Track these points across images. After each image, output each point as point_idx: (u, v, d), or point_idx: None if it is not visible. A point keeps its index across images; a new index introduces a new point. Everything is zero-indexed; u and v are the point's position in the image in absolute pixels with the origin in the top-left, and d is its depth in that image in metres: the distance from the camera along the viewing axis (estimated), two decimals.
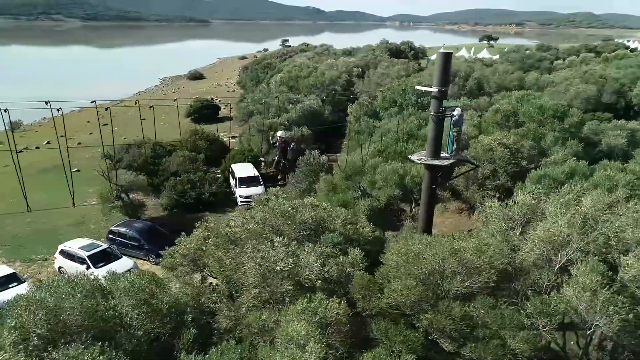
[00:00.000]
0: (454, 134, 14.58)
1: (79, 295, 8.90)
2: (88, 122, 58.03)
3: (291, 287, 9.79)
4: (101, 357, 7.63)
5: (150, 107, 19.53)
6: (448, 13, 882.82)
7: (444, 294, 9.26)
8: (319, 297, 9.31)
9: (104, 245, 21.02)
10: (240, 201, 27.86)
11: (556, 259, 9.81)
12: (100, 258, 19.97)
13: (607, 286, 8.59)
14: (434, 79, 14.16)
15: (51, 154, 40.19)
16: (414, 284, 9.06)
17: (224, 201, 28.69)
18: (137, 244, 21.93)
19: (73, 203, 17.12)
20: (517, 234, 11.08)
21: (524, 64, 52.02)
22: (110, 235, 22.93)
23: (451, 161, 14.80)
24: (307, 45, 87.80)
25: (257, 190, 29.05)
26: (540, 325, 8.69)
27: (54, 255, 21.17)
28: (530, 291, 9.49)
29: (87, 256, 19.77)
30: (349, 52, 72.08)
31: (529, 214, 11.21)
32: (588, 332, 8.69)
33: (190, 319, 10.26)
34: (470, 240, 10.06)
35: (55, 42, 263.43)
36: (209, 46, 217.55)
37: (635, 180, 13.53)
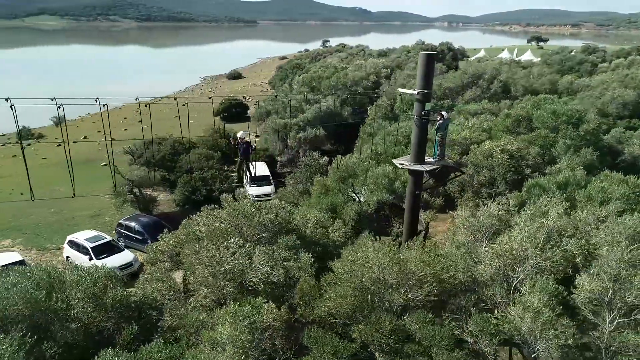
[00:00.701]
0: (438, 138, 14.01)
1: (24, 285, 9.18)
2: (125, 118, 60.54)
3: (232, 289, 9.72)
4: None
5: (184, 104, 19.98)
6: (499, 13, 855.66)
7: (384, 305, 8.88)
8: (255, 301, 9.18)
9: (108, 238, 21.74)
10: (251, 200, 28.08)
11: (514, 275, 9.19)
12: (103, 250, 20.66)
13: (556, 308, 7.96)
14: (417, 81, 13.67)
15: (86, 147, 42.31)
16: (349, 293, 8.75)
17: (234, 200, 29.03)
18: (141, 237, 22.54)
19: (74, 194, 17.88)
20: (483, 245, 10.47)
21: (563, 66, 49.46)
22: (118, 228, 23.71)
23: (434, 167, 14.23)
24: (343, 46, 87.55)
25: (267, 189, 29.27)
26: (482, 345, 8.17)
27: (63, 245, 22.13)
28: (474, 308, 8.91)
29: (91, 247, 20.52)
30: (384, 54, 71.29)
31: (497, 225, 10.57)
32: (532, 355, 8.06)
33: (138, 314, 10.42)
34: (417, 251, 9.60)
35: (112, 42, 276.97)
36: (253, 46, 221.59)
37: (631, 195, 12.45)
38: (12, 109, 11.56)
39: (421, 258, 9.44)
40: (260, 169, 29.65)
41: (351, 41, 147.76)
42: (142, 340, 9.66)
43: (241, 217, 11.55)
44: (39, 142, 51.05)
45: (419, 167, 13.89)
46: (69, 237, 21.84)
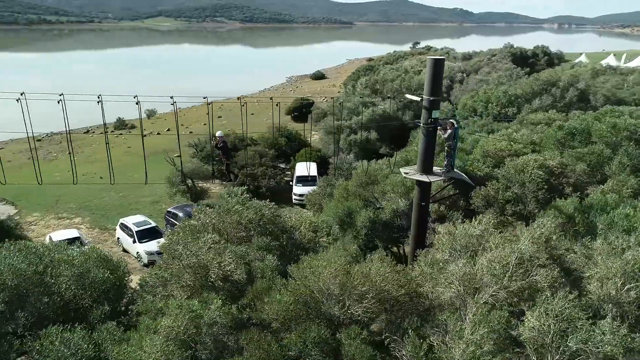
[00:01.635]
0: (447, 148, 13.21)
1: (15, 258, 10.32)
2: (207, 114, 64.41)
3: (190, 283, 10.07)
4: None
5: (244, 104, 21.15)
6: (620, 14, 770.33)
7: (326, 316, 8.65)
8: (206, 297, 9.46)
9: (153, 224, 23.43)
10: (295, 199, 28.59)
11: (472, 302, 8.45)
12: (146, 234, 22.33)
13: (498, 342, 7.21)
14: (425, 87, 13.02)
15: (166, 139, 45.84)
16: (290, 300, 8.65)
17: (283, 197, 29.73)
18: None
19: (146, 181, 19.86)
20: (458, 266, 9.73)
21: None
22: (166, 216, 25.46)
23: (440, 178, 13.45)
24: (429, 48, 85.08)
25: (311, 189, 29.52)
26: None
27: (116, 227, 24.30)
28: (430, 331, 8.32)
29: (135, 231, 22.30)
30: (468, 57, 68.17)
31: (474, 245, 9.75)
32: None
33: (117, 296, 11.22)
34: (365, 265, 9.20)
35: (216, 42, 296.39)
36: (346, 47, 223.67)
37: None
38: (99, 104, 13.40)
39: (378, 272, 9.05)
40: (309, 169, 30.01)
41: (447, 43, 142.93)
42: (114, 321, 10.39)
43: (224, 215, 11.91)
44: (130, 132, 56.33)
45: (420, 177, 13.23)
46: (120, 220, 23.91)
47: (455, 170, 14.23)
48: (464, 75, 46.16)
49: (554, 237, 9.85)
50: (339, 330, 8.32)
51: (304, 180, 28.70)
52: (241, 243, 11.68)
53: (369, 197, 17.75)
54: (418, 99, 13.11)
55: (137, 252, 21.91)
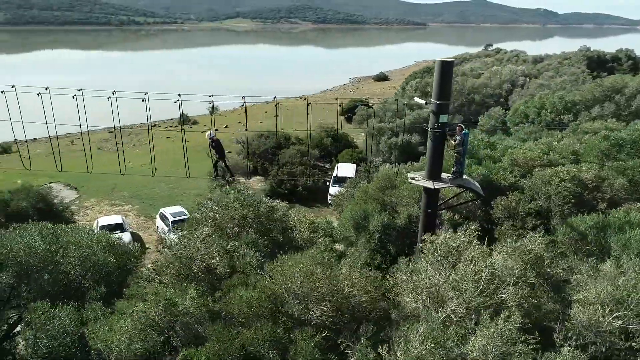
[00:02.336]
0: (455, 155, 12.66)
1: (29, 237, 11.34)
2: (265, 112, 66.29)
3: (176, 273, 10.50)
4: None
5: (308, 103, 21.86)
6: None
7: (293, 315, 8.67)
8: (183, 286, 9.84)
9: (188, 215, 24.51)
10: (330, 199, 28.63)
11: (436, 315, 8.10)
12: (181, 224, 23.42)
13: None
14: (432, 90, 12.57)
15: (222, 136, 47.74)
16: (254, 297, 8.77)
17: (319, 197, 29.89)
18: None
19: (187, 174, 21.11)
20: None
21: None
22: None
23: (446, 185, 12.91)
24: (498, 50, 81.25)
25: None
26: None
27: (157, 216, 25.74)
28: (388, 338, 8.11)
29: (171, 221, 23.49)
30: (539, 59, 64.38)
31: (453, 256, 9.31)
32: None
33: (119, 279, 11.95)
34: (350, 269, 9.06)
35: (289, 42, 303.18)
36: (417, 49, 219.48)
37: None
38: (144, 102, 14.62)
39: (347, 275, 8.93)
40: (347, 170, 29.95)
41: (526, 46, 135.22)
42: (107, 302, 11.11)
43: (222, 210, 12.28)
44: (191, 127, 59.26)
45: (425, 183, 12.80)
46: (160, 210, 25.30)
47: (466, 177, 13.60)
48: (527, 79, 43.69)
49: (545, 255, 9.17)
50: (294, 330, 8.31)
51: (341, 181, 28.65)
52: (237, 238, 11.99)
53: (387, 201, 17.43)
54: (423, 102, 12.69)
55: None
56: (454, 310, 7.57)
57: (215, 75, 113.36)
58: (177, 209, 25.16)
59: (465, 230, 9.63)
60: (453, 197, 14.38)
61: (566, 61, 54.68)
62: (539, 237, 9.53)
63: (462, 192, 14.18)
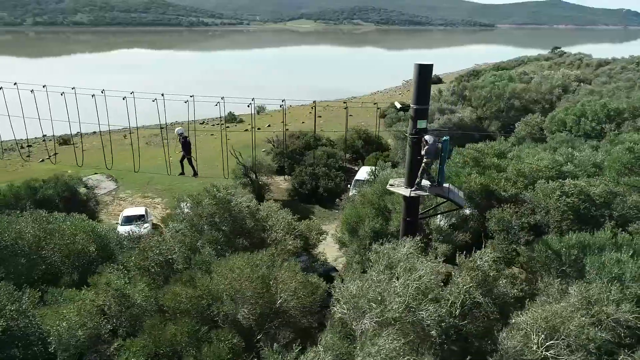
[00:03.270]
0: (423, 164, 12.12)
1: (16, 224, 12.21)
2: (310, 112, 66.80)
3: (136, 263, 10.86)
4: None
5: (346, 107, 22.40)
6: None
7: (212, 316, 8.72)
8: (138, 278, 10.18)
9: None
10: None
11: (356, 326, 7.84)
12: None
13: None
14: (411, 95, 12.09)
15: (263, 135, 48.82)
16: (183, 293, 8.90)
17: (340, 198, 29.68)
18: None
19: (225, 176, 22.56)
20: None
21: None
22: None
23: (423, 194, 12.37)
24: (561, 54, 76.60)
25: None
26: None
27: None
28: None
29: None
30: (605, 63, 60.19)
31: (395, 268, 8.93)
32: None
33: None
34: (286, 272, 8.96)
35: (350, 43, 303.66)
36: (480, 51, 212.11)
37: None
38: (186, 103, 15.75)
39: (282, 279, 8.85)
40: (366, 173, 29.50)
41: (604, 49, 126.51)
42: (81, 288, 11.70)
43: (195, 207, 12.56)
44: (236, 126, 60.92)
45: (400, 190, 12.36)
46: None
47: (450, 186, 12.95)
48: (580, 84, 40.91)
49: (491, 274, 8.58)
50: (217, 330, 8.36)
51: (360, 184, 28.27)
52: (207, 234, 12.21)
53: (383, 207, 17.02)
54: (399, 106, 12.25)
55: None
56: (366, 323, 7.27)
57: (273, 74, 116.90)
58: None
59: (408, 242, 9.20)
60: (435, 206, 13.74)
61: (632, 66, 50.66)
62: (491, 253, 8.91)
63: (443, 202, 13.52)
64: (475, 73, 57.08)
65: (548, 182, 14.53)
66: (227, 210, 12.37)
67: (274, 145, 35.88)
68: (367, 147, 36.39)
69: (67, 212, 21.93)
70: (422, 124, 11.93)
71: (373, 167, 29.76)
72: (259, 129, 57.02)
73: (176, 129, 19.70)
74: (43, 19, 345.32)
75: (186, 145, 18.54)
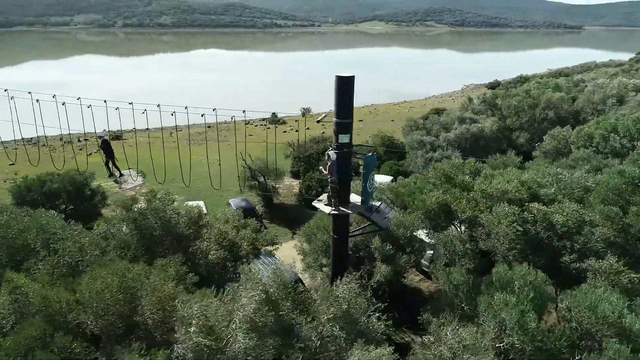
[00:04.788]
0: (330, 183, 11.53)
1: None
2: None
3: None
4: None
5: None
6: None
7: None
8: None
9: (252, 205, 27.18)
10: None
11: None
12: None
13: None
14: (334, 108, 11.54)
15: (295, 136, 49.28)
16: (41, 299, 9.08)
17: None
18: None
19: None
20: None
21: None
22: (226, 205, 27.78)
23: (346, 212, 11.75)
24: (638, 60, 69.66)
25: None
26: None
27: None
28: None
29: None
30: None
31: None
32: None
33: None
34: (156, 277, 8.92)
35: (421, 45, 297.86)
36: (560, 54, 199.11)
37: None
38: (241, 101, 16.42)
39: (152, 290, 8.82)
40: (383, 181, 28.70)
41: None
42: None
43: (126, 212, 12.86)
44: (276, 127, 61.76)
45: (322, 207, 11.86)
46: (230, 200, 27.44)
47: (380, 204, 12.21)
48: (638, 94, 37.04)
49: (350, 305, 7.97)
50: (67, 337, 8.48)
51: None
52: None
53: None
54: (321, 117, 11.71)
55: None
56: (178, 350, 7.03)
57: (329, 75, 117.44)
58: (240, 200, 27.06)
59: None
60: (364, 226, 12.93)
61: None
62: (356, 283, 8.26)
63: (369, 224, 12.75)
64: (522, 79, 53.32)
65: (509, 206, 13.25)
66: (159, 217, 12.53)
67: (293, 149, 35.99)
68: (389, 154, 35.37)
69: (73, 206, 23.60)
70: (344, 139, 11.37)
71: (387, 177, 29.00)
72: (296, 130, 57.61)
73: (98, 132, 20.21)
74: (132, 21, 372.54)
75: (107, 148, 19.18)
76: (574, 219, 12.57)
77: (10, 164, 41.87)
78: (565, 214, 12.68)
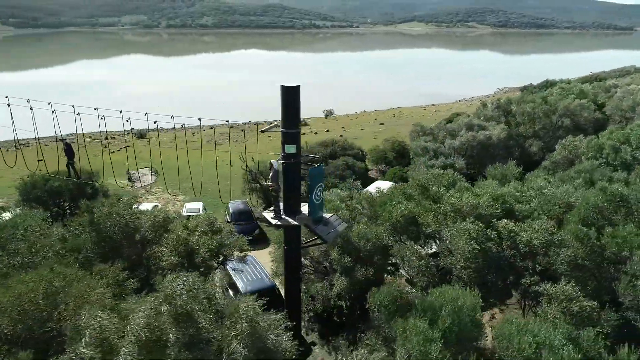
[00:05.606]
0: (272, 192, 11.35)
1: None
2: (375, 119, 65.51)
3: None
4: None
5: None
6: None
7: None
8: None
9: (249, 208, 27.47)
10: None
11: None
12: (240, 216, 26.40)
13: None
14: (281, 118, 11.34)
15: (316, 138, 49.29)
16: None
17: None
18: (229, 219, 26.28)
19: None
20: None
21: None
22: (226, 208, 28.03)
23: (292, 223, 11.51)
24: None
25: None
26: None
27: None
28: None
29: (232, 212, 26.70)
30: None
31: None
32: None
33: None
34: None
35: (459, 47, 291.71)
36: (609, 57, 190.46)
37: None
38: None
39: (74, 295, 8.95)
40: (384, 187, 28.17)
41: None
42: None
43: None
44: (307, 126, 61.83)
45: (270, 218, 11.68)
46: (229, 203, 27.75)
47: (329, 216, 11.90)
48: None
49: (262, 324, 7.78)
50: None
51: None
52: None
53: None
54: (268, 127, 11.53)
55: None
56: None
57: (360, 76, 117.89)
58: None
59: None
60: (314, 238, 12.56)
61: None
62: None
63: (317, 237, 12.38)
64: (548, 84, 50.94)
65: (472, 222, 12.67)
66: (116, 222, 12.74)
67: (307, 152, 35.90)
68: (399, 160, 34.73)
69: (73, 204, 24.39)
70: (290, 149, 11.15)
71: (389, 183, 28.48)
72: (315, 133, 57.54)
73: (62, 137, 20.82)
74: (175, 22, 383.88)
75: (69, 150, 19.80)
76: (541, 239, 11.86)
77: (39, 160, 43.95)
78: (533, 232, 11.98)
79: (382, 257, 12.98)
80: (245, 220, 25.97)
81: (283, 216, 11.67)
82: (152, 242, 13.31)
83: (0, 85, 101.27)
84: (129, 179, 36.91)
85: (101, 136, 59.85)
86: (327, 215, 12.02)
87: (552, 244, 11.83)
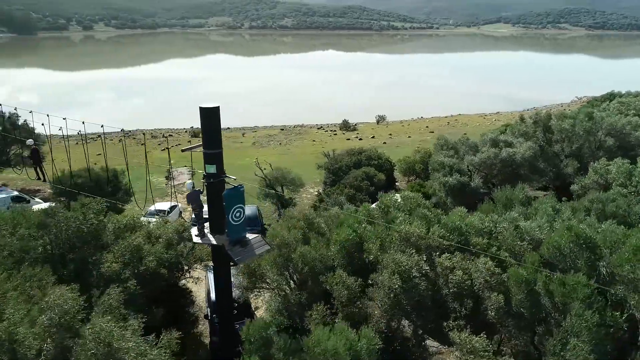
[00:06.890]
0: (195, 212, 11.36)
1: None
2: (426, 127, 63.30)
3: None
4: None
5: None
6: None
7: None
8: None
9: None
10: None
11: None
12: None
13: None
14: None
15: (360, 144, 49.09)
16: None
17: None
18: None
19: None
20: None
21: None
22: None
23: (211, 242, 11.52)
24: None
25: None
26: None
27: None
28: None
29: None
30: None
31: None
32: None
33: None
34: None
35: (551, 50, 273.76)
36: None
37: None
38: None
39: None
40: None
41: None
42: None
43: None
44: (343, 134, 61.49)
45: (194, 236, 11.81)
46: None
47: (255, 238, 11.76)
48: None
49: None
50: None
51: None
52: None
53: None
54: (189, 147, 11.67)
55: None
56: None
57: (430, 79, 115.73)
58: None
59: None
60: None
61: None
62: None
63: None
64: (611, 96, 45.80)
65: (405, 252, 11.92)
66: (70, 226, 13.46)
67: (328, 159, 35.73)
68: (427, 173, 33.34)
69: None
70: (210, 169, 11.17)
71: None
72: (360, 139, 56.89)
73: (28, 140, 22.46)
74: (257, 23, 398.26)
75: (35, 155, 21.13)
76: (475, 278, 10.89)
77: (97, 154, 47.88)
78: (475, 271, 11.03)
79: (314, 284, 12.58)
80: (249, 227, 26.27)
81: (207, 234, 11.74)
82: (106, 247, 13.93)
83: (109, 80, 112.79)
84: (167, 177, 38.98)
85: (161, 134, 63.82)
86: (251, 236, 11.92)
87: (488, 287, 10.79)
